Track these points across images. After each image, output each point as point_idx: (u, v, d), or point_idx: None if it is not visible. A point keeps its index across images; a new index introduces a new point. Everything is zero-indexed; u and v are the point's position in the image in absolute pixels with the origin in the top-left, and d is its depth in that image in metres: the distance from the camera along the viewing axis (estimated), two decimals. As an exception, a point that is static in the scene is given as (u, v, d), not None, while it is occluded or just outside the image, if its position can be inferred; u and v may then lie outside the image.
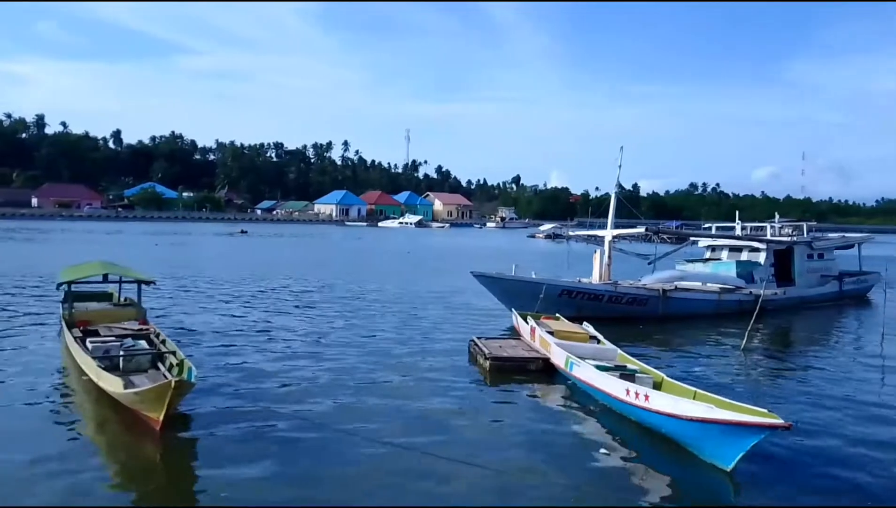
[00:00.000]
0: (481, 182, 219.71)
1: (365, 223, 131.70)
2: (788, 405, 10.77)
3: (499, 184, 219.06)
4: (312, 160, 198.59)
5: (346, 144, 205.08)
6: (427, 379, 11.69)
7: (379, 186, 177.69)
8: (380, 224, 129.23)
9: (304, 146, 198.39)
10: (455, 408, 10.04)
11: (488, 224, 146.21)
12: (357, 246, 60.28)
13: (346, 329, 16.25)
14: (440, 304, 21.13)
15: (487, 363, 12.27)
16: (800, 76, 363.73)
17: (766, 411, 7.40)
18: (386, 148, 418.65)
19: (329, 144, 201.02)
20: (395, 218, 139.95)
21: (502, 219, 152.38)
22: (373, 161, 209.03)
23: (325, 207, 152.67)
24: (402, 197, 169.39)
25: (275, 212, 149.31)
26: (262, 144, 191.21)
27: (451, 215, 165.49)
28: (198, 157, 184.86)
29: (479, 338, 13.86)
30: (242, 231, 76.33)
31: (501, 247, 62.50)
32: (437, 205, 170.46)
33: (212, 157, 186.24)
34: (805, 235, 26.93)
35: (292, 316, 18.03)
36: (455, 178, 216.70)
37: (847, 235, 33.93)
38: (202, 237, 65.27)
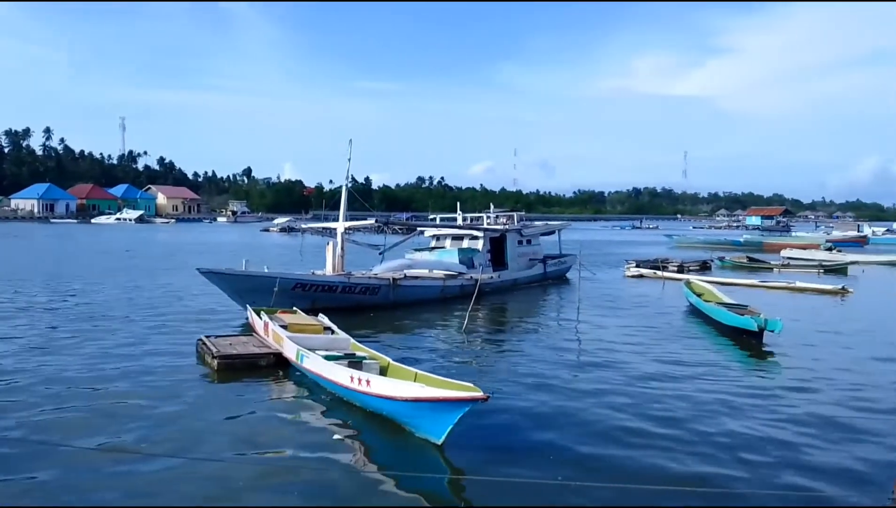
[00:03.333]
0: (210, 175, 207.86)
1: (75, 220, 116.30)
2: (500, 376, 11.93)
3: (229, 176, 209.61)
4: (6, 149, 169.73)
5: (48, 131, 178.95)
6: (150, 384, 10.75)
7: (91, 179, 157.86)
8: (93, 221, 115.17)
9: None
10: (180, 410, 9.43)
11: (219, 219, 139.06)
12: (66, 245, 52.89)
13: (54, 339, 14.18)
14: (166, 305, 19.51)
15: (215, 362, 11.66)
16: (509, 79, 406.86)
17: (471, 385, 8.01)
18: (98, 137, 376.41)
19: (27, 131, 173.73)
20: (111, 213, 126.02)
21: (234, 213, 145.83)
22: (82, 151, 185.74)
23: (25, 202, 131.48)
24: (118, 190, 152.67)
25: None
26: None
27: (176, 210, 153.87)
28: None
29: (207, 337, 13.11)
30: None
31: (234, 242, 59.87)
32: (161, 199, 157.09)
33: None
34: (516, 223, 30.11)
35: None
36: (180, 170, 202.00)
37: (549, 222, 38.72)
38: None
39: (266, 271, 18.46)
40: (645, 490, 6.84)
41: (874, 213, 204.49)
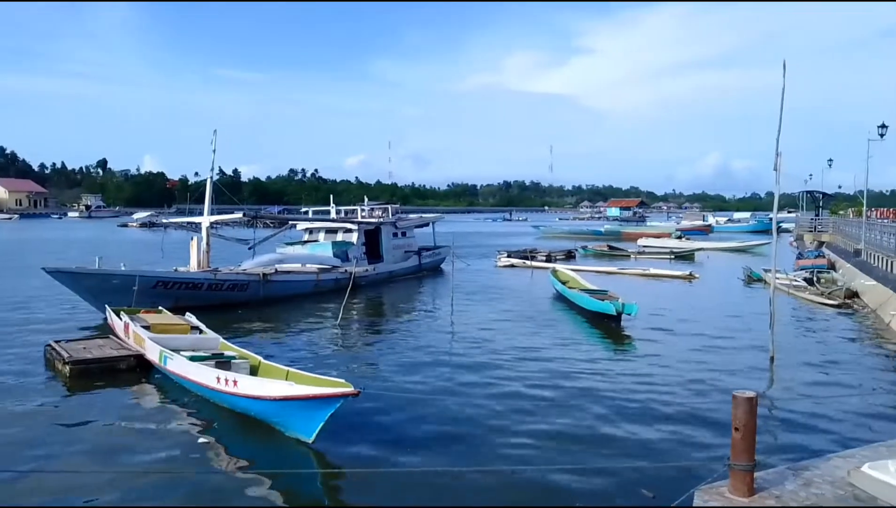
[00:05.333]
0: (59, 166, 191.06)
1: None
2: (374, 370, 11.98)
3: (81, 168, 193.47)
4: None
5: None
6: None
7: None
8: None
9: None
10: (27, 423, 8.69)
11: (70, 214, 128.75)
12: None
13: None
14: (6, 310, 17.77)
15: (67, 368, 10.85)
16: (383, 72, 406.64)
17: (342, 381, 7.95)
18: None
19: None
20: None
21: (87, 207, 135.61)
22: None
23: None
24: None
25: None
26: None
27: (20, 205, 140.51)
28: None
29: (57, 341, 12.16)
30: None
31: (87, 238, 55.69)
32: (1, 193, 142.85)
33: None
34: (390, 216, 30.17)
35: None
36: (24, 161, 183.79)
37: (424, 215, 39.12)
38: None
39: (123, 268, 17.32)
40: (505, 472, 7.12)
41: (717, 204, 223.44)
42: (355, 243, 25.16)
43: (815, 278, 23.03)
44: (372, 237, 26.55)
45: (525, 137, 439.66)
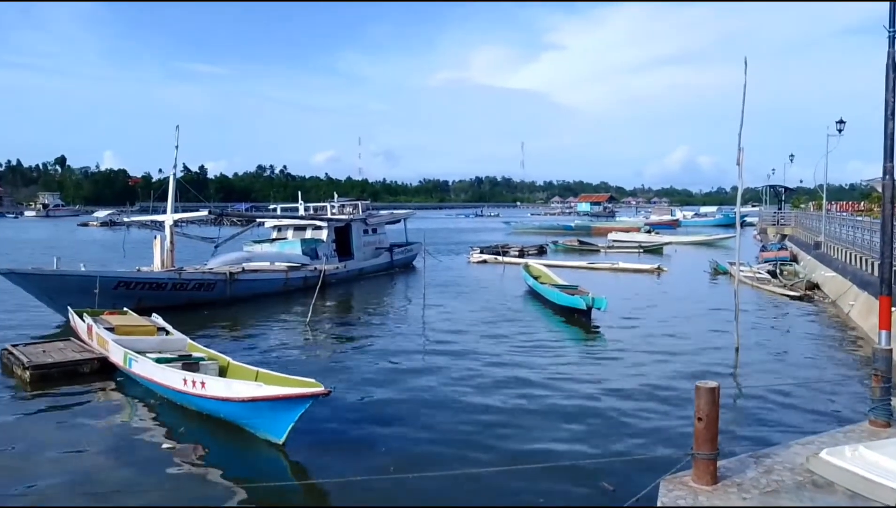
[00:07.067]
0: (14, 163, 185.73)
1: None
2: (346, 369, 11.87)
3: (38, 165, 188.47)
4: None
5: None
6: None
7: None
8: None
9: None
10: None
11: (27, 213, 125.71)
12: None
13: None
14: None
15: (27, 373, 10.56)
16: (352, 67, 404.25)
17: (312, 380, 7.87)
18: None
19: None
20: None
21: (45, 206, 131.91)
22: None
23: None
24: None
25: None
26: None
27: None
28: None
29: (14, 346, 11.84)
30: None
31: (45, 238, 54.48)
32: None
33: None
34: (361, 212, 30.01)
35: None
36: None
37: (395, 211, 39.02)
38: None
39: (83, 269, 16.92)
40: (473, 474, 7.07)
41: (684, 198, 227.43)
42: (325, 240, 24.96)
43: (777, 271, 23.52)
44: (342, 234, 26.36)
45: (496, 133, 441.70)
